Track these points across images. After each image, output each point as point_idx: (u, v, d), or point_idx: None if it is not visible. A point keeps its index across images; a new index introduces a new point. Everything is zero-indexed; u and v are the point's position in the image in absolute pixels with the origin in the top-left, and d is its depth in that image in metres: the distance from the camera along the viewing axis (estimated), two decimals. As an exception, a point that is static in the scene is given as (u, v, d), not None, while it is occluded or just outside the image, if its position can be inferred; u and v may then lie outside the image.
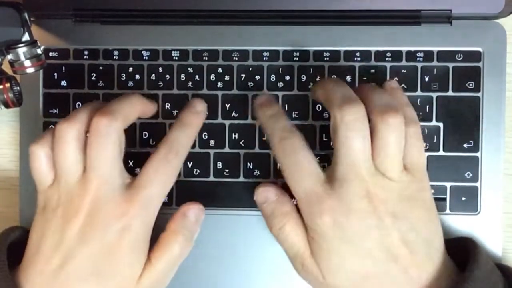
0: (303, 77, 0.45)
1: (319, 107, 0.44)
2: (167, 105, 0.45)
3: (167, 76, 0.45)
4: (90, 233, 0.37)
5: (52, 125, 0.45)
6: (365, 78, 0.44)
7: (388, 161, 0.37)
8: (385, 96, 0.39)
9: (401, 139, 0.37)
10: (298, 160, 0.38)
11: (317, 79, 0.44)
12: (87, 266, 0.37)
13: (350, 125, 0.37)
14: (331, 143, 0.44)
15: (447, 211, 0.44)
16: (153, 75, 0.45)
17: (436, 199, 0.43)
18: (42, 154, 0.38)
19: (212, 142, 0.45)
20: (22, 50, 0.39)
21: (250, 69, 0.45)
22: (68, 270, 0.37)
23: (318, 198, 0.37)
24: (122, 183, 0.38)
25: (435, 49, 0.44)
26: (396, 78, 0.44)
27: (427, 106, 0.44)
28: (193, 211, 0.40)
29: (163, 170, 0.38)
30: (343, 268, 0.37)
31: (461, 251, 0.39)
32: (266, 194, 0.40)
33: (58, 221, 0.37)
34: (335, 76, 0.44)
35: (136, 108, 0.40)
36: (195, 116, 0.40)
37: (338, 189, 0.37)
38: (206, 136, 0.45)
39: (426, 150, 0.44)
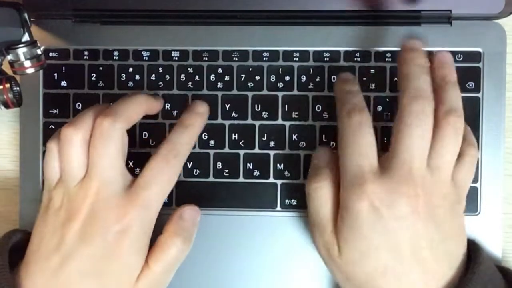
0: (303, 77, 0.45)
1: (318, 107, 0.44)
2: (167, 105, 0.45)
3: (167, 76, 0.45)
4: (89, 233, 0.37)
5: (52, 126, 0.45)
6: (364, 79, 0.44)
7: (442, 159, 0.37)
8: (455, 96, 0.38)
9: (458, 142, 0.38)
10: (358, 137, 0.37)
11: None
12: (86, 266, 0.37)
13: (415, 115, 0.36)
14: (331, 144, 0.44)
15: (447, 211, 0.44)
16: (153, 75, 0.45)
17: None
18: (56, 151, 0.39)
19: (212, 142, 0.45)
20: (22, 51, 0.39)
21: (250, 69, 0.45)
22: (68, 269, 0.37)
23: (364, 180, 0.36)
24: (123, 184, 0.38)
25: (435, 49, 0.44)
26: (396, 78, 0.44)
27: (427, 107, 0.44)
28: (189, 213, 0.40)
29: (163, 171, 0.38)
30: (367, 257, 0.36)
31: None
32: (323, 152, 0.40)
33: (59, 221, 0.38)
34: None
35: (140, 108, 0.40)
36: (197, 117, 0.41)
37: (386, 178, 0.36)
38: (206, 137, 0.45)
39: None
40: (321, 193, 0.38)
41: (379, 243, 0.36)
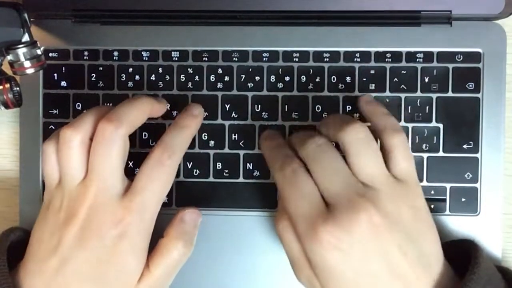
0: (303, 77, 0.45)
1: (318, 108, 0.44)
2: (167, 105, 0.45)
3: (167, 76, 0.45)
4: (86, 237, 0.37)
5: (52, 126, 0.45)
6: (364, 79, 0.44)
7: (368, 168, 0.37)
8: (340, 116, 0.40)
9: (369, 142, 0.37)
10: (297, 185, 0.37)
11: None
12: (84, 270, 0.37)
13: (318, 152, 0.37)
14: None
15: (447, 212, 0.44)
16: (153, 75, 0.45)
17: (436, 200, 0.44)
18: (52, 153, 0.39)
19: (211, 142, 0.45)
20: (22, 51, 0.39)
21: (250, 69, 0.45)
22: (66, 272, 0.37)
23: (316, 226, 0.36)
24: (121, 188, 0.38)
25: (435, 50, 0.44)
26: (396, 79, 0.44)
27: (427, 107, 0.44)
28: (190, 216, 0.40)
29: (158, 174, 0.38)
30: None
31: (462, 254, 0.39)
32: None
33: (58, 223, 0.37)
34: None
35: (144, 112, 0.39)
36: (191, 119, 0.41)
37: (334, 213, 0.36)
38: (206, 137, 0.45)
39: (426, 151, 0.44)
40: (286, 234, 0.38)
41: (355, 278, 0.36)
